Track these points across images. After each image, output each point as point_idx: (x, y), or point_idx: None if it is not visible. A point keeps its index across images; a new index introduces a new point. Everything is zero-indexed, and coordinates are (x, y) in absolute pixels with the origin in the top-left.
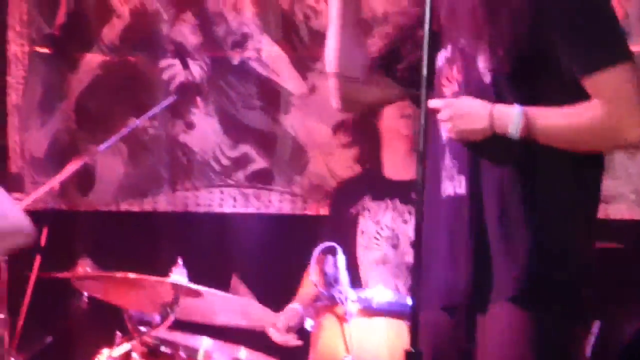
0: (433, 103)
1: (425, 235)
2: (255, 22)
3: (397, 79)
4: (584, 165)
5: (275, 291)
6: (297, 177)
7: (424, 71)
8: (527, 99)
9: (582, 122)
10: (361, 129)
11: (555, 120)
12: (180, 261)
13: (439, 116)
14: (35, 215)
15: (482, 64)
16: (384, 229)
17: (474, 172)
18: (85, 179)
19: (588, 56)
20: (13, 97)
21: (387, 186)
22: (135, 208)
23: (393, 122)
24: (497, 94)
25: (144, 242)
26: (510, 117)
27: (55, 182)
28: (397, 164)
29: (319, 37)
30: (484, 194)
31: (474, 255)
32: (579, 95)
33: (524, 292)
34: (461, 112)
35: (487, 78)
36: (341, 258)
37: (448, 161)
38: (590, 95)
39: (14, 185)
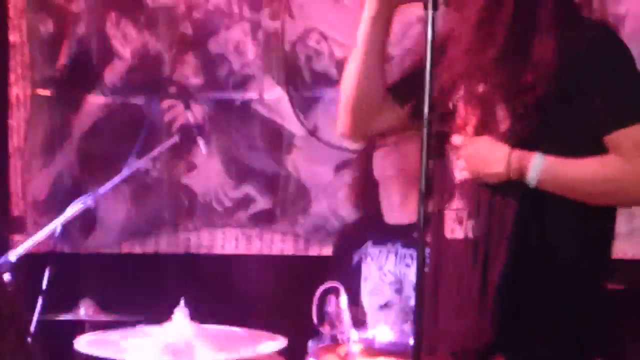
0: (455, 140)
1: (431, 277)
2: (257, 64)
3: (409, 114)
4: (596, 210)
5: (278, 332)
6: (300, 218)
7: (425, 110)
8: (543, 149)
9: (601, 176)
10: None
11: (573, 172)
12: (182, 302)
13: (460, 154)
14: (37, 257)
15: (500, 112)
16: (387, 275)
17: (486, 217)
18: (87, 221)
19: (610, 115)
20: (15, 140)
21: (387, 231)
22: (137, 250)
23: (384, 166)
24: (513, 143)
25: (146, 283)
26: (529, 165)
27: (57, 224)
28: (394, 209)
29: (321, 78)
30: (492, 239)
31: (481, 303)
32: (595, 147)
33: (520, 343)
34: (479, 153)
35: (504, 126)
36: (343, 298)
37: (457, 203)
38: (608, 150)
39: (16, 227)
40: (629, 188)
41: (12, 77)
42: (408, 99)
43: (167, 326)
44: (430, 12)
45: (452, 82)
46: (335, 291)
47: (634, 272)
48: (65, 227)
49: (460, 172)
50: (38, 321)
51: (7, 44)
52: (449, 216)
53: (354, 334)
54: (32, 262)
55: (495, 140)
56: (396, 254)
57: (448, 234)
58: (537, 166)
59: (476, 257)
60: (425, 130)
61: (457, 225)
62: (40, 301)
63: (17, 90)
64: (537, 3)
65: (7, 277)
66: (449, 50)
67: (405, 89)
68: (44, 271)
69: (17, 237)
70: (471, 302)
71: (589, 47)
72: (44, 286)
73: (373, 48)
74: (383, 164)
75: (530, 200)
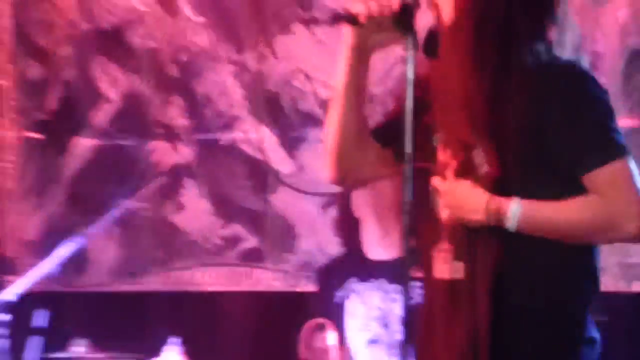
0: (435, 183)
1: (423, 318)
2: (243, 105)
3: (394, 155)
4: (580, 248)
5: None
6: (287, 255)
7: (408, 149)
8: (523, 192)
9: (580, 217)
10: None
11: (552, 214)
12: (172, 340)
13: (440, 199)
14: (30, 297)
15: (479, 157)
16: (373, 310)
17: (470, 258)
18: (78, 261)
19: (585, 156)
20: (6, 183)
21: (372, 266)
22: (128, 288)
23: (362, 203)
24: (492, 187)
25: (137, 321)
26: (507, 211)
27: (49, 264)
28: (375, 245)
29: (306, 118)
30: (477, 281)
31: (469, 346)
32: (574, 188)
33: None
34: (458, 201)
35: (482, 169)
36: (330, 334)
37: (443, 244)
38: (587, 190)
39: (7, 268)
40: (608, 226)
41: (1, 121)
42: (392, 141)
43: None
44: (410, 52)
45: (435, 124)
46: (322, 327)
47: (616, 305)
48: (57, 266)
49: (444, 212)
50: None
51: None
52: (437, 256)
53: None
54: (25, 302)
55: (474, 185)
56: (381, 290)
57: (437, 274)
58: (515, 212)
59: (462, 300)
60: (407, 168)
61: (444, 266)
62: (36, 340)
63: (6, 133)
64: (516, 43)
65: (4, 317)
66: (432, 91)
67: (388, 131)
68: (36, 310)
69: (8, 278)
70: (460, 345)
71: (561, 87)
72: (39, 325)
73: (351, 93)
74: (360, 202)
75: (513, 241)
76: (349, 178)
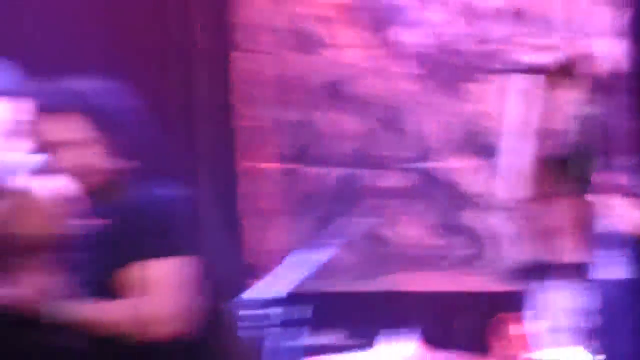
0: (598, 201)
1: (603, 309)
2: (438, 138)
3: (564, 178)
4: None
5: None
6: (487, 261)
7: (583, 174)
8: None
9: None
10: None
11: None
12: (403, 331)
13: (610, 215)
14: (295, 295)
15: (632, 180)
16: (559, 304)
17: (634, 261)
18: (323, 267)
19: None
20: (265, 204)
21: (558, 268)
22: (364, 289)
23: (545, 217)
24: None
25: (372, 316)
26: None
27: (302, 270)
28: (559, 250)
29: (491, 148)
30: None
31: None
32: None
33: None
34: (618, 216)
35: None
36: (521, 326)
37: (606, 249)
38: None
39: (250, 273)
40: None
41: (241, 154)
42: (561, 167)
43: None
44: (577, 94)
45: (596, 152)
46: (513, 320)
47: None
48: (309, 272)
49: (610, 224)
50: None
51: (233, 127)
52: (602, 259)
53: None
54: (289, 299)
55: (632, 203)
56: (566, 288)
57: (603, 276)
58: None
59: (628, 299)
60: (583, 190)
61: (605, 268)
62: (300, 330)
63: (267, 164)
64: None
65: (276, 311)
66: (593, 126)
67: (559, 158)
68: (299, 306)
69: (250, 282)
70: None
71: None
72: (302, 318)
73: (529, 127)
74: (543, 216)
75: None
76: (528, 196)
